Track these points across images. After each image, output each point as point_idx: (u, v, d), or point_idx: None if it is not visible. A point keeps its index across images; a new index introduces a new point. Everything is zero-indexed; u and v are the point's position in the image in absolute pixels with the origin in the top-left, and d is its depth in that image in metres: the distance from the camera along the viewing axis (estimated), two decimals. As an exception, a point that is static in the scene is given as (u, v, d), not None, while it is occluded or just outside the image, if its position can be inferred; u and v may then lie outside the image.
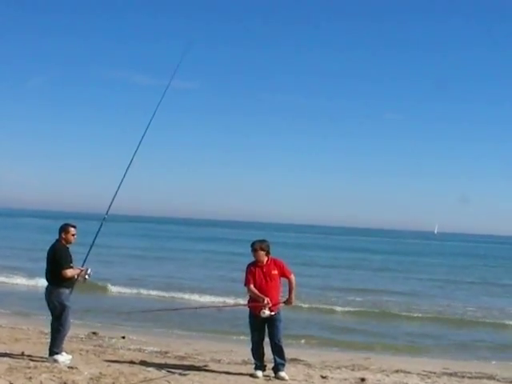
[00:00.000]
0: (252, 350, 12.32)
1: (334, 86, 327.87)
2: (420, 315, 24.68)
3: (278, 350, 12.27)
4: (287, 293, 12.34)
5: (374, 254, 71.85)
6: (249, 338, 12.57)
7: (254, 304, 12.11)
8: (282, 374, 12.20)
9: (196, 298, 25.96)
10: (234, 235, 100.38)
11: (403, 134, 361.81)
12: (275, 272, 12.25)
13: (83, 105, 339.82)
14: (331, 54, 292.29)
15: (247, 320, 12.43)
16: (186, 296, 26.39)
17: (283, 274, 12.34)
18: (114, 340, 16.00)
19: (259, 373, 12.18)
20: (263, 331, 12.25)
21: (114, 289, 27.22)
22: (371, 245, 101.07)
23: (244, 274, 12.29)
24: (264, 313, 11.97)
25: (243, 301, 12.99)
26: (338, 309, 24.62)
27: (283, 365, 12.32)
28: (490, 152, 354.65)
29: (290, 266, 12.70)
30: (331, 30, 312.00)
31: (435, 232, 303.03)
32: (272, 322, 12.15)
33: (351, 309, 24.97)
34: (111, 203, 12.84)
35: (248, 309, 12.39)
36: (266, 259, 12.26)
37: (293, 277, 12.42)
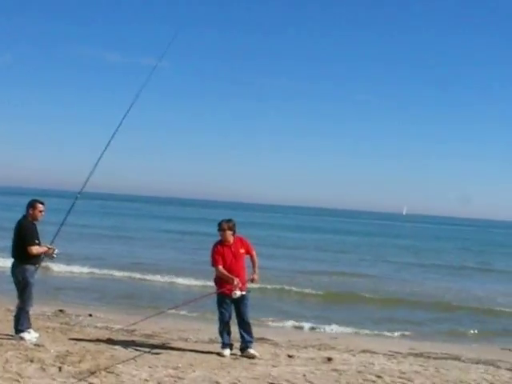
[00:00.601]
0: (220, 329, 12.33)
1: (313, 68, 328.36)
2: (387, 297, 24.69)
3: (246, 328, 12.34)
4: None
5: (343, 235, 71.99)
6: (215, 316, 12.59)
7: (226, 286, 12.09)
8: (252, 351, 12.28)
9: (166, 279, 25.45)
10: (201, 214, 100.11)
11: (373, 115, 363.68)
12: (242, 251, 12.29)
13: (51, 82, 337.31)
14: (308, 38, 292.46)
15: (214, 299, 12.44)
16: (155, 277, 25.88)
17: (248, 251, 12.39)
18: (80, 318, 15.96)
19: (227, 351, 12.21)
20: (231, 310, 12.27)
21: (75, 269, 26.48)
22: (340, 226, 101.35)
23: (211, 255, 12.26)
24: (235, 294, 11.98)
25: (211, 282, 12.94)
26: (307, 291, 24.49)
27: (251, 342, 12.40)
28: (460, 133, 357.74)
29: (257, 247, 12.77)
30: (308, 13, 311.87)
31: (404, 213, 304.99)
32: (241, 300, 12.18)
33: (318, 291, 24.69)
34: (85, 183, 12.71)
35: (216, 289, 12.38)
36: (232, 238, 12.26)
37: (255, 253, 12.52)
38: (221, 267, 12.09)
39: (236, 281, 11.96)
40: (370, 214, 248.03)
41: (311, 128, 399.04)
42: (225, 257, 12.14)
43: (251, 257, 12.47)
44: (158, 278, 25.48)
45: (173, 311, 16.27)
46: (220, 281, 12.22)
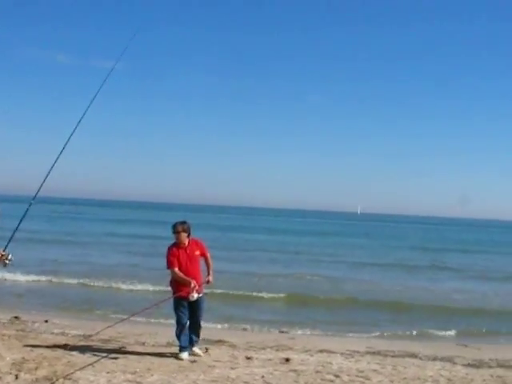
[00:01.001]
0: (177, 332, 12.31)
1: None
2: (344, 297, 24.73)
3: (197, 329, 12.46)
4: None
5: (297, 235, 72.08)
6: (171, 320, 12.58)
7: (182, 289, 12.07)
8: (197, 349, 12.46)
9: (122, 285, 25.05)
10: (157, 217, 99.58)
11: (326, 114, 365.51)
12: (198, 253, 12.31)
13: (3, 85, 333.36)
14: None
15: (170, 302, 12.42)
16: (111, 283, 25.56)
17: (203, 254, 12.42)
18: (36, 324, 15.78)
19: (185, 354, 12.19)
20: (188, 313, 12.27)
21: (30, 277, 25.68)
22: (294, 226, 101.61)
23: (166, 257, 12.23)
24: (193, 296, 11.99)
25: (166, 287, 12.91)
26: (263, 294, 24.33)
27: (197, 342, 12.55)
28: (423, 130, 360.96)
29: (212, 249, 12.79)
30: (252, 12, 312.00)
31: (358, 212, 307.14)
32: (197, 302, 12.20)
33: (274, 295, 24.45)
34: (39, 188, 12.56)
35: (173, 292, 12.36)
36: (187, 240, 12.26)
37: (210, 256, 12.54)
38: (177, 269, 12.07)
39: (193, 283, 11.94)
40: (324, 214, 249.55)
41: (267, 129, 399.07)
42: (180, 259, 12.12)
43: (206, 259, 12.48)
44: (114, 284, 25.15)
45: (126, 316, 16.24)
46: (176, 283, 12.19)
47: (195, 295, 11.97)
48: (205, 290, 12.65)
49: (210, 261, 12.54)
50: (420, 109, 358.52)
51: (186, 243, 12.25)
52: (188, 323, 12.32)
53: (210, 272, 12.44)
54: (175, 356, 12.17)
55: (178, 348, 12.34)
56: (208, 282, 12.41)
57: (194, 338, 12.46)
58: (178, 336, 12.31)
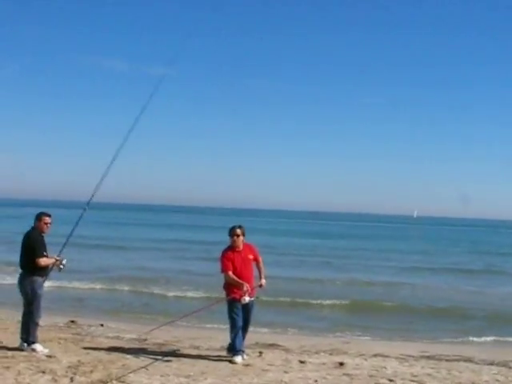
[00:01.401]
0: (233, 335, 12.29)
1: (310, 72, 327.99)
2: (401, 304, 24.48)
3: (244, 335, 12.46)
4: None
5: (353, 239, 71.69)
6: (226, 324, 12.59)
7: (235, 292, 12.11)
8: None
9: (174, 292, 25.01)
10: (199, 222, 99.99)
11: (382, 118, 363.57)
12: (251, 257, 12.36)
13: (56, 92, 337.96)
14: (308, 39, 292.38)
15: (224, 306, 12.45)
16: (163, 290, 25.53)
17: (256, 258, 12.46)
18: (92, 328, 15.97)
19: (239, 358, 12.19)
20: (242, 316, 12.30)
21: (80, 284, 25.90)
22: (349, 230, 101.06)
23: (221, 260, 12.28)
24: (245, 300, 12.03)
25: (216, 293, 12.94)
26: (317, 300, 23.89)
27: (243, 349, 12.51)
28: (475, 135, 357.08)
29: (265, 254, 12.82)
30: (307, 15, 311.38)
31: (414, 216, 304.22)
32: (248, 307, 12.23)
33: (327, 301, 23.96)
34: (93, 194, 12.73)
35: (226, 295, 12.39)
36: (242, 245, 12.31)
37: (261, 260, 12.62)
38: (231, 273, 12.11)
39: (246, 286, 11.99)
40: (380, 217, 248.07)
41: (315, 132, 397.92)
42: (235, 263, 12.17)
43: (258, 263, 12.53)
44: (166, 289, 25.28)
45: (184, 321, 16.36)
46: (229, 286, 12.22)
47: (247, 298, 12.01)
48: (257, 295, 12.64)
49: (263, 265, 12.59)
50: (471, 112, 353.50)
51: (241, 247, 12.31)
52: (241, 326, 12.33)
53: (263, 276, 12.46)
54: (229, 360, 12.20)
55: (232, 352, 12.35)
56: (261, 285, 12.44)
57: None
58: (233, 339, 12.29)
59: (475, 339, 18.04)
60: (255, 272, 12.49)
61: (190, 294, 24.64)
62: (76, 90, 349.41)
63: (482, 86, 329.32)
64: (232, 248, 12.30)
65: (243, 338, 12.45)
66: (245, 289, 11.97)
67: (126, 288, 25.64)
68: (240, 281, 12.04)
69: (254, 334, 15.09)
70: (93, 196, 12.63)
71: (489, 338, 18.29)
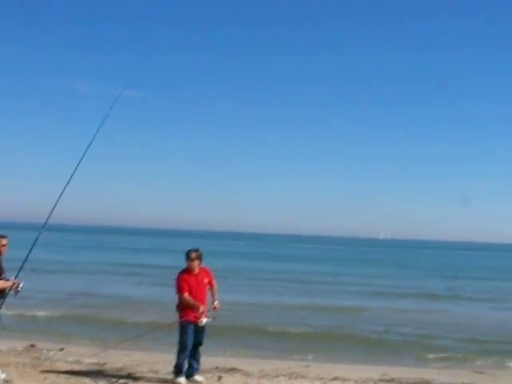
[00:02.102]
0: (181, 356, 12.43)
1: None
2: (355, 329, 24.63)
3: (197, 356, 12.64)
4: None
5: (314, 263, 71.74)
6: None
7: (190, 314, 12.18)
8: (200, 378, 12.60)
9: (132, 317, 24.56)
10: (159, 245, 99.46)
11: (349, 139, 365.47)
12: (206, 280, 12.52)
13: (25, 114, 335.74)
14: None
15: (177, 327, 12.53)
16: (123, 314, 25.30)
17: (210, 282, 12.62)
18: (52, 352, 15.86)
19: (183, 379, 12.41)
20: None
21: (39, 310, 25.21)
22: (312, 253, 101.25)
23: (177, 282, 12.39)
24: (202, 321, 12.15)
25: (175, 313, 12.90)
26: (277, 327, 23.40)
27: (198, 369, 12.71)
28: (437, 156, 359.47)
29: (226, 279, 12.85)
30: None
31: (381, 238, 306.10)
32: (201, 328, 12.38)
33: (289, 329, 23.62)
34: (49, 215, 12.67)
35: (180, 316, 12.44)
36: (198, 268, 12.39)
37: (215, 283, 12.76)
38: (187, 294, 12.25)
39: (202, 308, 12.16)
40: (346, 240, 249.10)
41: (280, 153, 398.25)
42: (190, 285, 12.31)
43: (211, 287, 12.69)
44: (123, 315, 24.94)
45: (146, 344, 16.35)
46: (184, 308, 12.35)
47: (204, 320, 12.16)
48: (214, 316, 12.72)
49: (216, 289, 12.77)
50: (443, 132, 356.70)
51: (197, 270, 12.40)
52: (190, 348, 12.43)
53: (216, 299, 12.64)
54: (172, 381, 12.30)
55: (176, 373, 12.47)
56: (215, 308, 12.57)
57: (195, 365, 12.60)
58: (180, 359, 12.44)
59: (435, 364, 18.12)
60: (209, 295, 12.63)
61: (147, 317, 24.34)
62: (39, 112, 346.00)
63: (444, 103, 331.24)
64: (188, 271, 12.42)
65: (198, 360, 12.60)
66: (201, 310, 12.13)
67: (85, 312, 25.34)
68: (195, 302, 12.16)
69: (215, 358, 15.13)
70: (49, 218, 12.57)
71: (448, 360, 18.43)
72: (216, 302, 12.58)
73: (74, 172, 12.81)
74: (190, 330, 12.32)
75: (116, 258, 64.20)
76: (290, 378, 13.72)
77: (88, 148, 12.84)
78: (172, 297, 12.73)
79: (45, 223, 12.11)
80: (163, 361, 15.00)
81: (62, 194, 12.58)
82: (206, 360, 13.36)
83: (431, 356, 18.89)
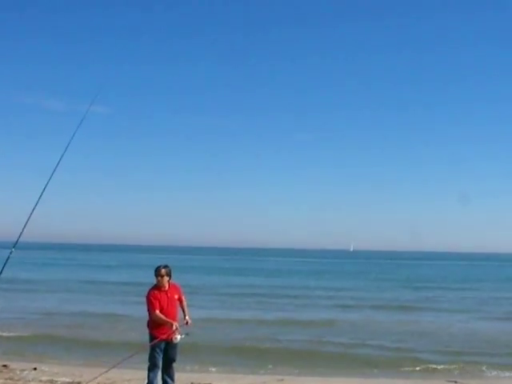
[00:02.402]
0: (152, 374, 12.42)
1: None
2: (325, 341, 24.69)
3: (171, 373, 12.59)
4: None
5: (287, 276, 71.76)
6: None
7: (161, 331, 12.19)
8: None
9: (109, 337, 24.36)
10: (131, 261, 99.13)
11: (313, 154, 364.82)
12: (176, 296, 12.52)
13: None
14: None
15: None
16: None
17: (180, 298, 12.65)
18: (25, 372, 15.78)
19: None
20: (163, 355, 12.42)
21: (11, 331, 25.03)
22: (287, 266, 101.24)
23: (148, 300, 12.34)
24: (176, 338, 12.14)
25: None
26: (249, 342, 24.06)
27: None
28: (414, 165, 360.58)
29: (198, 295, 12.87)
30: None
31: (351, 249, 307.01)
32: (172, 344, 12.37)
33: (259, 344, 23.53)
34: (20, 234, 12.59)
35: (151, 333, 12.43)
36: (167, 284, 12.40)
37: (185, 299, 12.80)
38: (158, 312, 12.21)
39: (175, 325, 12.15)
40: (316, 252, 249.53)
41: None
42: (161, 302, 12.28)
43: (181, 303, 12.69)
44: (97, 334, 24.81)
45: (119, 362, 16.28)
46: (155, 325, 12.31)
47: (178, 337, 12.16)
48: (186, 332, 12.71)
49: (186, 305, 12.76)
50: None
51: (167, 287, 12.40)
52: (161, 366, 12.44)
53: (187, 314, 12.63)
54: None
55: None
56: (187, 323, 12.56)
57: (170, 381, 12.55)
58: (151, 377, 12.41)
59: (410, 374, 18.20)
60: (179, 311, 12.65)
61: (121, 335, 24.21)
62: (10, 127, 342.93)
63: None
64: (158, 287, 12.41)
65: (172, 377, 12.57)
66: (174, 328, 12.11)
67: (58, 332, 25.16)
68: (168, 319, 12.17)
69: (189, 374, 15.17)
70: (20, 236, 12.49)
71: (422, 372, 18.56)
72: (187, 318, 12.56)
73: (44, 189, 12.74)
74: (160, 348, 12.31)
75: (86, 275, 63.71)
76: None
77: (57, 166, 12.77)
78: (143, 313, 12.73)
79: (16, 241, 12.01)
80: (137, 378, 15.03)
81: (32, 211, 12.50)
82: (180, 376, 13.43)
83: (406, 368, 18.97)
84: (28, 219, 12.50)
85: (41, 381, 14.56)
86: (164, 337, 12.19)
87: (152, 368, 12.37)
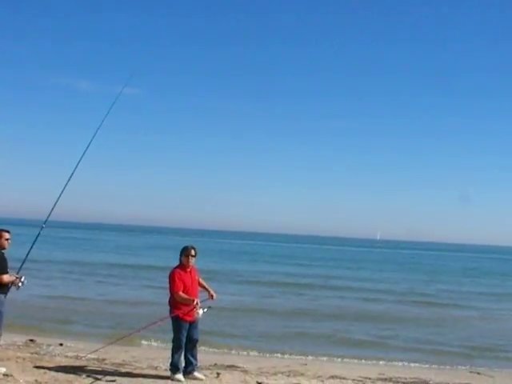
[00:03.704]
0: (177, 354, 12.46)
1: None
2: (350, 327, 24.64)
3: (194, 352, 12.65)
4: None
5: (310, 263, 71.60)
6: None
7: (184, 309, 12.25)
8: (199, 374, 12.60)
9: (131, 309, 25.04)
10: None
11: (347, 142, 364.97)
12: (197, 277, 12.60)
13: (27, 109, 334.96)
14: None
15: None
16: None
17: (199, 278, 12.72)
18: (51, 347, 15.89)
19: (181, 376, 12.42)
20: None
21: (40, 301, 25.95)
22: (312, 254, 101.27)
23: (173, 280, 12.36)
24: (198, 313, 12.20)
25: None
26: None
27: (197, 365, 12.75)
28: (430, 163, 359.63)
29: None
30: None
31: (378, 238, 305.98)
32: (195, 324, 12.46)
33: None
34: (51, 211, 12.74)
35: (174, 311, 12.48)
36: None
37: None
38: (181, 293, 12.25)
39: (196, 300, 12.23)
40: (343, 240, 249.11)
41: (278, 158, 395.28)
42: (185, 282, 12.34)
43: (200, 282, 12.76)
44: (123, 311, 25.09)
45: (144, 340, 16.45)
46: (177, 304, 12.36)
47: (200, 311, 12.21)
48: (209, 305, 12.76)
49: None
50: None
51: (191, 267, 12.48)
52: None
53: (210, 289, 12.74)
54: (170, 378, 12.36)
55: (174, 370, 12.48)
56: (212, 297, 12.65)
57: (194, 361, 12.63)
58: (175, 358, 12.47)
59: (432, 364, 18.16)
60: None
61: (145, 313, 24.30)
62: (46, 107, 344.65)
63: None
64: (184, 268, 12.44)
65: (195, 357, 12.64)
66: (195, 303, 12.18)
67: (83, 309, 25.41)
68: (190, 297, 12.24)
69: (213, 355, 15.21)
70: (50, 215, 12.64)
71: (444, 362, 18.47)
72: (211, 291, 12.65)
73: (75, 170, 12.91)
74: (185, 328, 12.36)
75: (111, 257, 63.50)
76: (288, 375, 13.78)
77: (88, 147, 12.94)
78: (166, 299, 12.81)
79: (46, 220, 12.16)
80: (162, 357, 15.04)
81: (62, 191, 12.66)
82: (204, 357, 13.48)
83: (428, 356, 18.93)
84: (60, 195, 12.67)
85: (66, 356, 14.65)
86: (189, 319, 12.26)
87: (177, 350, 12.42)
